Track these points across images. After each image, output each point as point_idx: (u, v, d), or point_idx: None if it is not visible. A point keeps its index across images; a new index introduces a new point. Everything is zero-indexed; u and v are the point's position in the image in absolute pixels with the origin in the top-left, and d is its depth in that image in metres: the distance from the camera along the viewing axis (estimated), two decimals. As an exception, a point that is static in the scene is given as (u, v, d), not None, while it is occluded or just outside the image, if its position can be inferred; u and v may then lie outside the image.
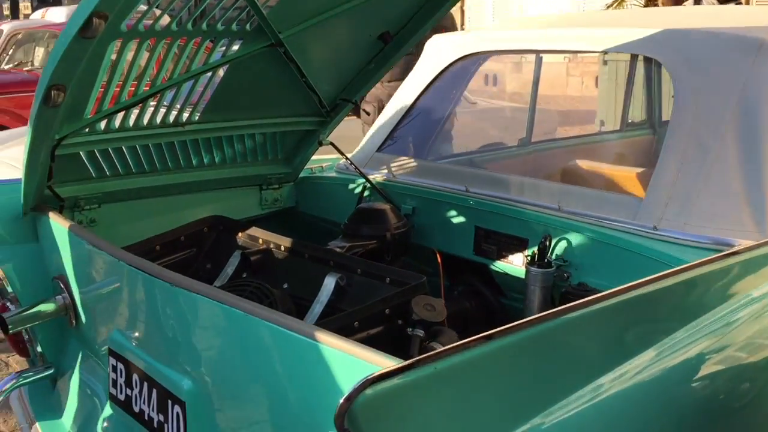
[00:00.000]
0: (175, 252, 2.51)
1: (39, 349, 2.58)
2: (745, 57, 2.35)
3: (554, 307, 2.41)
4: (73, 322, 2.37)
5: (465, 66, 3.47)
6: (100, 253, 2.08)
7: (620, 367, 1.54)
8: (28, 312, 2.35)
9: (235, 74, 2.54)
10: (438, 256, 2.57)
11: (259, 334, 1.55)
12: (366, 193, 3.01)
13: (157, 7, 2.17)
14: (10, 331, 2.32)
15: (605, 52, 2.81)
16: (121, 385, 2.04)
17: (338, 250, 2.45)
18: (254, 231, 2.49)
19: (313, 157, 3.23)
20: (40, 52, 9.83)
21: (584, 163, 3.70)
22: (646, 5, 9.51)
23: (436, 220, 2.74)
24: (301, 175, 3.25)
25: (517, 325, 1.33)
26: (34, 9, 21.18)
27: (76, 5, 1.83)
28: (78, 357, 2.47)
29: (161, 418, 1.88)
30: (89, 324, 2.31)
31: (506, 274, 2.56)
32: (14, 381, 2.46)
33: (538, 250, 2.33)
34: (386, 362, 1.22)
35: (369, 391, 1.10)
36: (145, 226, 2.77)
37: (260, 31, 2.42)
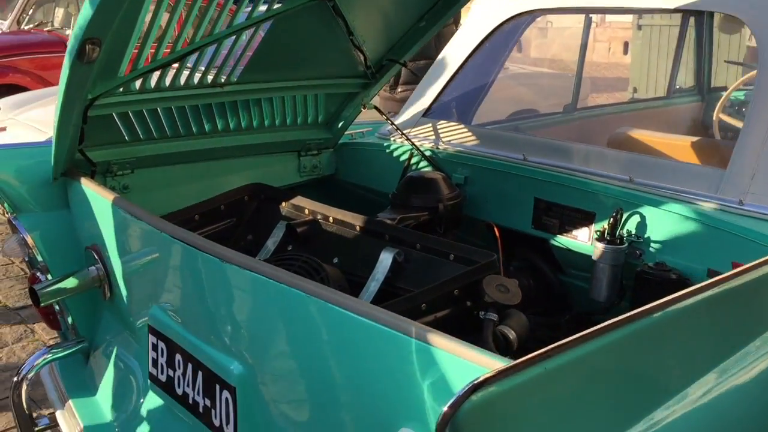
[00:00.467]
0: (215, 222, 2.35)
1: (70, 321, 2.44)
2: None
3: (622, 287, 2.27)
4: (108, 294, 2.22)
5: (515, 26, 3.26)
6: (139, 222, 1.92)
7: (731, 359, 1.36)
8: (60, 284, 2.20)
9: (278, 31, 2.35)
10: (496, 230, 2.39)
11: (328, 321, 1.39)
12: (412, 160, 2.83)
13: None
14: (42, 304, 2.17)
15: (679, 11, 2.58)
16: (162, 365, 1.90)
17: (389, 222, 2.27)
18: (299, 200, 2.32)
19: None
20: (60, 13, 9.63)
21: (635, 132, 3.50)
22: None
23: (490, 190, 2.56)
24: (341, 141, 3.08)
25: (629, 316, 1.16)
26: (52, -31, 20.88)
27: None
28: (112, 331, 2.33)
29: (207, 402, 1.73)
30: (125, 297, 2.16)
31: (568, 250, 2.38)
32: (46, 356, 2.32)
33: (609, 225, 2.15)
34: (494, 363, 1.05)
35: (475, 397, 0.93)
36: (180, 193, 2.62)
37: (308, -18, 2.23)
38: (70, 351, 2.38)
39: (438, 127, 2.91)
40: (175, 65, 2.23)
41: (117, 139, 2.39)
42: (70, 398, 2.28)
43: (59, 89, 1.92)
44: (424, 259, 1.93)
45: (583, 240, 2.30)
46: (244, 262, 1.53)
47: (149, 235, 1.90)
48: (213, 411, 1.71)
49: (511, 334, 1.77)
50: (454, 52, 3.06)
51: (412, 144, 2.78)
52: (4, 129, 5.55)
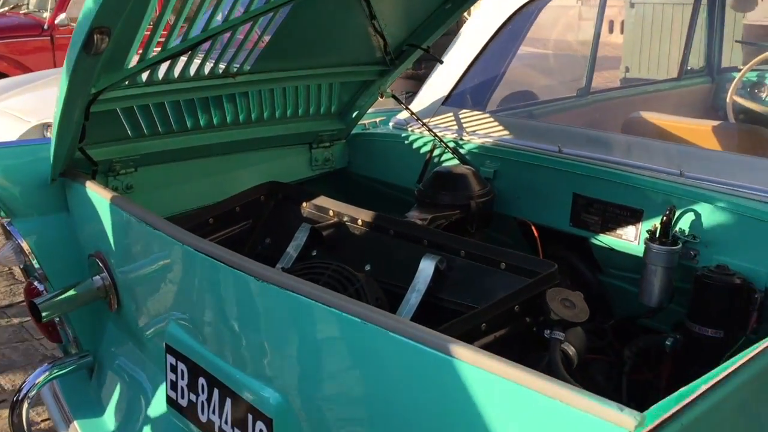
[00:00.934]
0: (230, 225, 2.16)
1: (71, 333, 2.25)
2: None
3: (675, 290, 2.11)
4: (115, 306, 2.03)
5: (535, 7, 3.08)
6: (149, 229, 1.73)
7: None
8: (63, 296, 2.01)
9: (297, 15, 2.15)
10: (534, 228, 2.22)
11: (385, 350, 1.21)
12: (434, 153, 2.64)
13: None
14: (44, 319, 1.98)
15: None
16: (182, 388, 1.71)
17: (420, 222, 2.09)
18: (323, 200, 2.13)
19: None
20: (36, -6, 9.29)
21: (650, 116, 3.34)
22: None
23: (523, 185, 2.38)
24: (353, 131, 2.89)
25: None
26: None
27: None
28: (120, 345, 2.14)
29: (238, 433, 1.55)
30: (135, 310, 1.97)
31: (611, 250, 2.21)
32: (47, 373, 2.13)
33: (661, 223, 1.98)
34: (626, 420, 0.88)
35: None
36: (186, 191, 2.43)
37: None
38: (74, 366, 2.19)
39: (460, 116, 2.73)
40: (185, 55, 2.02)
41: (120, 136, 2.19)
42: (76, 419, 2.09)
43: (61, 84, 1.72)
44: (469, 267, 1.76)
45: (629, 239, 2.13)
46: (278, 278, 1.35)
47: (160, 242, 1.71)
48: (245, 442, 1.54)
49: (571, 350, 1.61)
50: (473, 35, 2.87)
51: (434, 135, 2.60)
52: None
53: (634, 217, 2.11)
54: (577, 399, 0.99)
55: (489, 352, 1.10)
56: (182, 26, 1.92)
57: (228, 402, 1.57)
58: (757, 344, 1.17)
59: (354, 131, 2.90)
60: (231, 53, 2.20)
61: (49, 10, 8.74)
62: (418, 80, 4.70)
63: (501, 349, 1.51)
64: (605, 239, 2.19)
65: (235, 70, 2.24)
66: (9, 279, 4.88)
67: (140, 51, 1.91)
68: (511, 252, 1.72)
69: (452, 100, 2.83)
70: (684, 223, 2.01)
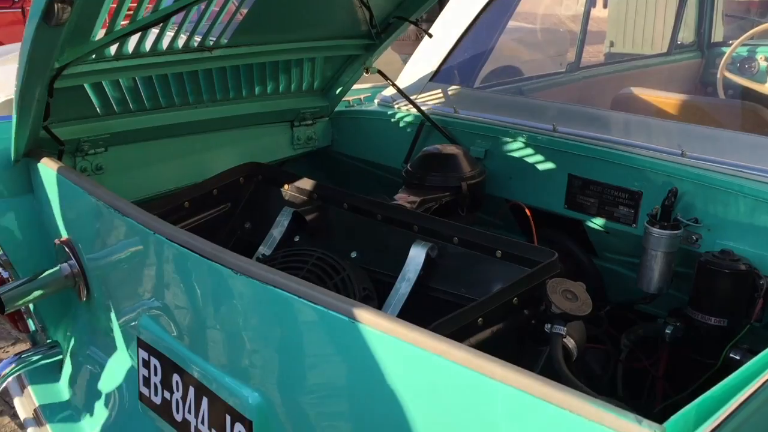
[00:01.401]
0: (207, 209, 2.04)
1: (39, 323, 2.13)
2: None
3: (675, 276, 2.02)
4: (84, 295, 1.91)
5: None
6: (118, 216, 1.60)
7: None
8: (28, 285, 1.88)
9: (277, -16, 2.02)
10: (527, 211, 2.11)
11: (377, 351, 1.11)
12: (422, 131, 2.52)
13: None
14: (7, 311, 1.86)
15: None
16: (156, 385, 1.60)
17: (409, 205, 1.98)
18: (306, 182, 2.01)
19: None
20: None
21: (640, 91, 3.24)
22: None
23: (515, 165, 2.28)
24: (337, 109, 2.76)
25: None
26: None
27: None
28: (91, 337, 2.02)
29: (216, 435, 1.45)
30: (106, 300, 1.85)
31: (607, 233, 2.12)
32: (14, 365, 2.01)
33: (662, 206, 1.89)
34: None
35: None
36: (160, 171, 2.30)
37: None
38: (42, 358, 2.07)
39: (449, 92, 2.61)
40: (157, 27, 1.88)
41: (88, 113, 2.06)
42: (44, 417, 1.98)
43: (20, 58, 1.58)
44: (463, 255, 1.65)
45: (627, 222, 2.04)
46: (254, 270, 1.24)
47: (131, 229, 1.59)
48: (223, 444, 1.43)
49: (570, 343, 1.51)
50: (462, 8, 2.74)
51: (422, 113, 2.48)
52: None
53: (632, 199, 2.02)
54: (590, 409, 0.89)
55: (490, 355, 0.99)
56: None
57: (204, 401, 1.46)
58: None
59: (338, 108, 2.77)
60: (207, 26, 2.06)
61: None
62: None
63: (498, 344, 1.41)
64: (602, 222, 2.10)
65: (211, 43, 2.10)
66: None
67: (107, 22, 1.77)
68: (507, 239, 1.62)
69: (440, 76, 2.71)
70: (686, 206, 1.91)
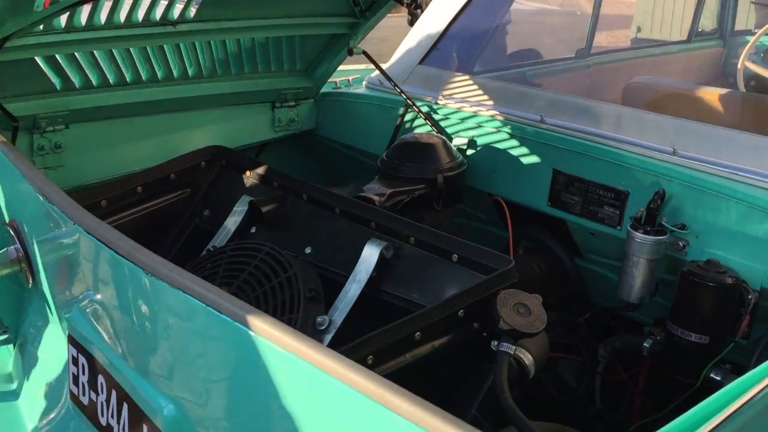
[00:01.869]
0: (163, 194, 1.92)
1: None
2: None
3: (657, 283, 1.87)
4: (30, 281, 1.80)
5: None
6: (47, 203, 1.49)
7: None
8: (-28, 267, 1.78)
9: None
10: (505, 207, 1.97)
11: (284, 369, 0.99)
12: (406, 117, 2.39)
13: None
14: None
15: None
16: (83, 384, 1.50)
17: (377, 198, 1.85)
18: (267, 170, 1.89)
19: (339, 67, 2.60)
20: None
21: (653, 81, 3.07)
22: None
23: (499, 158, 2.13)
24: (323, 90, 2.63)
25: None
26: None
27: None
28: (40, 324, 1.92)
29: (135, 444, 1.34)
30: (48, 288, 1.74)
31: (591, 234, 1.97)
32: (-40, 350, 1.92)
33: (648, 209, 1.74)
34: None
35: None
36: (127, 152, 2.20)
37: None
38: (-9, 342, 1.98)
39: (437, 77, 2.47)
40: (110, -2, 1.77)
41: (45, 89, 1.95)
42: (-11, 403, 1.89)
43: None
44: (418, 256, 1.52)
45: (612, 224, 1.89)
46: (166, 273, 1.12)
47: (60, 219, 1.48)
48: (142, 455, 1.32)
49: (527, 359, 1.37)
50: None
51: (406, 97, 2.34)
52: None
53: (618, 199, 1.87)
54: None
55: (395, 385, 0.87)
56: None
57: (125, 408, 1.35)
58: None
59: (324, 90, 2.64)
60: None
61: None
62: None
63: (441, 361, 1.28)
64: (586, 222, 1.95)
65: (175, 16, 1.98)
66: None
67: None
68: (465, 243, 1.48)
69: (431, 59, 2.56)
70: (674, 210, 1.76)
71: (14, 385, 1.94)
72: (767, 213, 1.61)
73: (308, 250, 1.68)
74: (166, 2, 1.93)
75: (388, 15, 2.38)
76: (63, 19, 1.77)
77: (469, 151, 2.20)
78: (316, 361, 0.92)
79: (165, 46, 2.07)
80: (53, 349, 1.79)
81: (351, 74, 2.84)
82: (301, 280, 1.51)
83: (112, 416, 1.40)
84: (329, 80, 2.64)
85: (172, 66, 2.14)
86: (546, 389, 1.84)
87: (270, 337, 0.97)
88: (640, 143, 1.89)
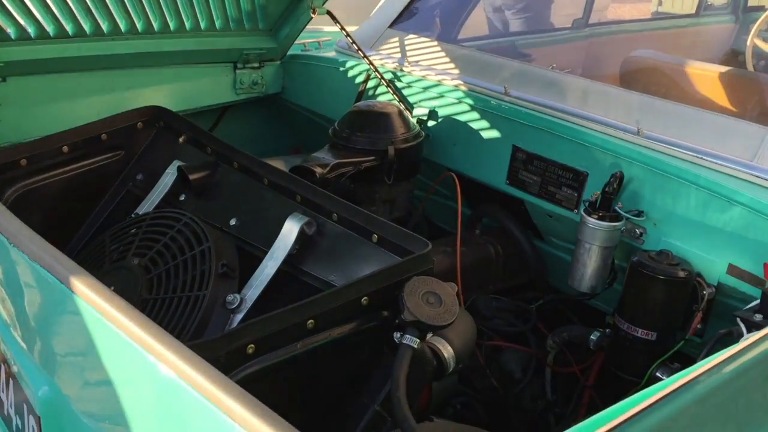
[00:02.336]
0: (93, 156, 1.81)
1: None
2: None
3: (612, 276, 1.75)
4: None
5: None
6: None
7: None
8: None
9: None
10: (457, 184, 1.85)
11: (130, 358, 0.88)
12: (370, 83, 2.26)
13: None
14: None
15: None
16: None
17: (318, 169, 1.73)
18: (202, 135, 1.77)
19: (310, 28, 2.46)
20: None
21: (654, 56, 2.91)
22: None
23: (460, 130, 2.00)
24: (290, 52, 2.50)
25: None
26: None
27: None
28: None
29: (19, 423, 1.25)
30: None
31: (549, 216, 1.85)
32: None
33: (603, 192, 1.61)
34: None
35: None
36: (71, 109, 2.08)
37: None
38: None
39: (406, 42, 2.32)
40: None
41: (-26, 38, 1.84)
42: None
43: None
44: (340, 235, 1.40)
45: (569, 207, 1.76)
46: (29, 247, 1.01)
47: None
48: (24, 438, 1.23)
49: (446, 351, 1.26)
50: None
51: (369, 63, 2.20)
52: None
53: (577, 180, 1.73)
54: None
55: (242, 391, 0.76)
56: None
57: (11, 384, 1.26)
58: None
59: (291, 52, 2.51)
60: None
61: None
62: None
63: (343, 351, 1.18)
64: (543, 204, 1.82)
65: (114, -35, 1.85)
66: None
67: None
68: (387, 223, 1.36)
69: (403, 24, 2.42)
70: (632, 194, 1.63)
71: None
72: (729, 202, 1.47)
73: (233, 222, 1.57)
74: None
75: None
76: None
77: (430, 122, 2.07)
78: (146, 345, 0.81)
79: (108, -5, 1.94)
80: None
81: (324, 36, 2.70)
82: (214, 255, 1.40)
83: (2, 390, 1.32)
84: (298, 42, 2.51)
85: (118, 19, 2.02)
86: (488, 381, 1.73)
87: (112, 319, 0.87)
88: (604, 121, 1.75)
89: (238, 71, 2.42)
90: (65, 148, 1.76)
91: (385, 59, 2.28)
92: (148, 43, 2.14)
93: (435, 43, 2.27)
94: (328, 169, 1.76)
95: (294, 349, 1.09)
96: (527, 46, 3.16)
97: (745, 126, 1.63)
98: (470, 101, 1.99)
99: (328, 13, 2.30)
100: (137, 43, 2.11)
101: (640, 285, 1.49)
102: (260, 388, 1.01)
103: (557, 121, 1.79)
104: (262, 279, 1.39)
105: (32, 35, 1.91)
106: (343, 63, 2.37)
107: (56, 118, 2.05)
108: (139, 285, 1.39)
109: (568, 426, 0.79)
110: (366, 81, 2.24)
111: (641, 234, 1.62)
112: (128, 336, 0.86)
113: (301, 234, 1.42)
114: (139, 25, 2.08)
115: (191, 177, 1.64)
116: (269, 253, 1.42)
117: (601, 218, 1.60)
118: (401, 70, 2.21)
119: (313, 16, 2.29)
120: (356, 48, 2.26)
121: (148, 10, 2.05)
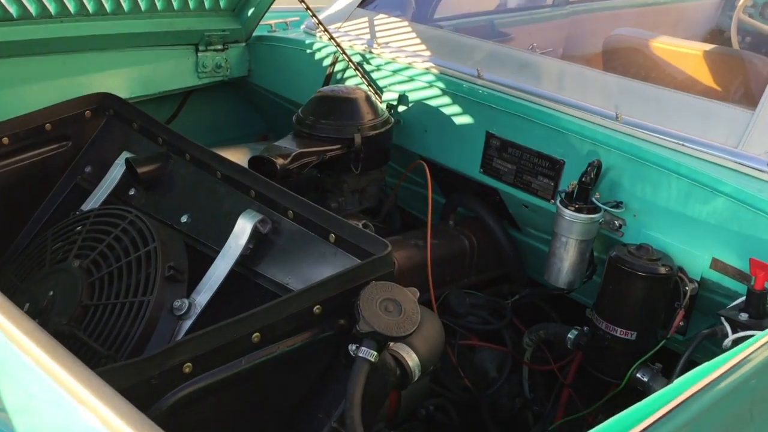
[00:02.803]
0: (36, 147, 1.69)
1: None
2: None
3: (591, 268, 1.66)
4: None
5: None
6: None
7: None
8: None
9: None
10: (428, 172, 1.75)
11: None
12: (338, 66, 2.14)
13: None
14: None
15: None
16: None
17: (280, 160, 1.63)
18: (154, 125, 1.66)
19: (276, 7, 2.33)
20: None
21: (636, 34, 2.80)
22: None
23: (432, 116, 1.89)
24: (256, 33, 2.37)
25: None
26: None
27: None
28: None
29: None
30: None
31: (525, 206, 1.75)
32: None
33: (580, 182, 1.51)
34: None
35: None
36: (24, 95, 1.96)
37: None
38: None
39: (376, 22, 2.21)
40: None
41: None
42: None
43: None
44: (296, 234, 1.30)
45: (546, 197, 1.67)
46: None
47: None
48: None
49: (411, 359, 1.17)
50: None
51: (337, 45, 2.08)
52: None
53: (553, 169, 1.64)
54: None
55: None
56: None
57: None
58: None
59: (257, 33, 2.39)
60: None
61: None
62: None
63: (296, 364, 1.08)
64: (518, 194, 1.72)
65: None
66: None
67: None
68: (344, 222, 1.25)
69: (374, 2, 2.30)
70: (611, 184, 1.53)
71: None
72: (712, 192, 1.38)
73: (184, 219, 1.46)
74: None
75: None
76: None
77: (401, 108, 1.96)
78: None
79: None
80: None
81: (292, 17, 2.57)
82: (161, 256, 1.29)
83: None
84: (264, 23, 2.39)
85: (67, 0, 1.89)
86: (462, 382, 1.65)
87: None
88: (582, 105, 1.65)
89: (200, 54, 2.29)
90: (5, 140, 1.64)
91: (354, 40, 2.17)
92: (100, 24, 2.01)
93: (406, 23, 2.15)
94: (289, 159, 1.65)
95: (238, 366, 0.99)
96: (506, 25, 3.05)
97: (730, 110, 1.54)
98: (442, 85, 1.88)
99: (293, -9, 2.18)
100: (89, 25, 1.99)
101: (619, 282, 1.40)
102: (199, 411, 0.91)
103: (532, 105, 1.69)
104: (213, 282, 1.29)
105: (-14, 17, 1.79)
106: (311, 45, 2.25)
107: (3, 107, 1.93)
108: (79, 290, 1.29)
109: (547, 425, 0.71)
110: (333, 64, 2.13)
111: (620, 226, 1.53)
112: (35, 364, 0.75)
113: (255, 232, 1.32)
114: (89, 6, 1.95)
115: (140, 170, 1.53)
116: (221, 253, 1.32)
117: (578, 210, 1.50)
118: (370, 52, 2.10)
119: (277, -5, 2.18)
120: (321, 28, 2.14)
121: (99, -10, 1.93)
